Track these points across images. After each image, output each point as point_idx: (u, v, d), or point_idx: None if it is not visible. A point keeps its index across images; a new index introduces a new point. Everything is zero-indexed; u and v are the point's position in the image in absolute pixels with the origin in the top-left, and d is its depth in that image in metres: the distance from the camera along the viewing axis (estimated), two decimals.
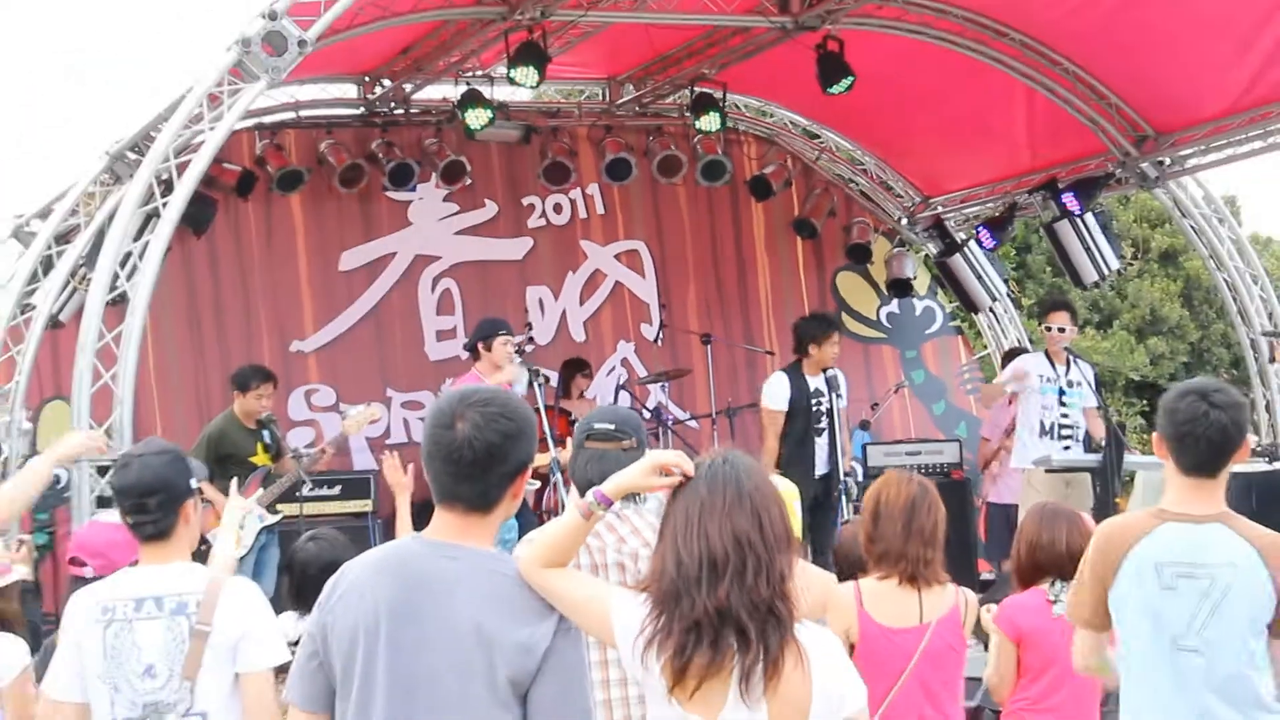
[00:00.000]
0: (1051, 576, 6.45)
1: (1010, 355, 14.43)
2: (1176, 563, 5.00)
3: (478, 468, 4.00)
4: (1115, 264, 15.36)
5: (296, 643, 4.39)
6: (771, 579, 3.89)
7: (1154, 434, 5.28)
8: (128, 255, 10.05)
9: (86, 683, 4.94)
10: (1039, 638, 6.40)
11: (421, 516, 6.00)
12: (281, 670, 5.44)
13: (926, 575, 5.94)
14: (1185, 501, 5.08)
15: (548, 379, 12.16)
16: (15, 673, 5.61)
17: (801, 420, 11.64)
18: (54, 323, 11.09)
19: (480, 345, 11.29)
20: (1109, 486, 11.13)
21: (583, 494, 5.24)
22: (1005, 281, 16.35)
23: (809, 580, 4.81)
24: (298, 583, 6.53)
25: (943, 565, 6.00)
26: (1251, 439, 13.50)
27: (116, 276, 10.03)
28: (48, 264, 11.05)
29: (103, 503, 9.91)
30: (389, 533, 11.30)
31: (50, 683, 5.09)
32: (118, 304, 10.12)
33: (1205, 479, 5.08)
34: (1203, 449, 5.05)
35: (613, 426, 5.38)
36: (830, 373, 11.77)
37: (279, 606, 9.73)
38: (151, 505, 5.05)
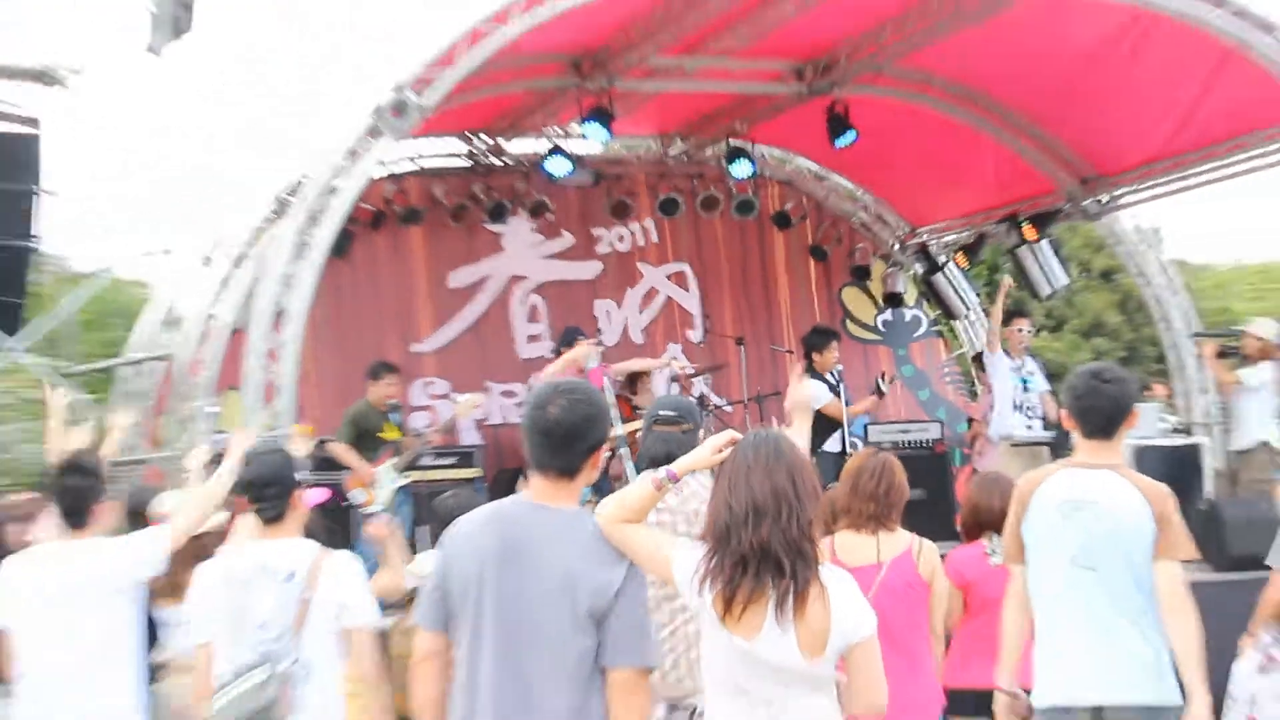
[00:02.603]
0: (989, 532, 6.47)
1: (977, 358, 14.42)
2: (1071, 499, 5.10)
3: (564, 442, 4.06)
4: (1065, 280, 15.31)
5: None
6: (801, 523, 3.96)
7: (1061, 411, 5.41)
8: (288, 276, 10.10)
9: (215, 632, 4.99)
10: (979, 583, 6.41)
11: (503, 482, 6.08)
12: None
13: (873, 525, 5.95)
14: (1086, 456, 5.19)
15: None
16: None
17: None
18: (233, 329, 11.17)
19: (564, 348, 11.38)
20: (1060, 456, 11.17)
21: (650, 466, 5.34)
22: (976, 295, 16.31)
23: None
24: (437, 528, 6.41)
25: (893, 517, 6.02)
26: (1173, 417, 13.41)
27: (279, 293, 10.09)
28: (226, 283, 11.14)
29: None
30: (492, 494, 11.39)
31: (191, 634, 5.17)
32: (280, 315, 10.15)
33: (1103, 440, 5.18)
34: (1097, 417, 5.16)
35: (675, 413, 5.50)
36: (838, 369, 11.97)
37: (413, 548, 9.79)
38: (269, 494, 5.11)
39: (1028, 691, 5.31)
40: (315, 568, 4.99)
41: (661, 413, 5.53)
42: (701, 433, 5.41)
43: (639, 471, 4.77)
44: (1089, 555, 5.03)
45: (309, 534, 5.30)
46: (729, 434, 4.21)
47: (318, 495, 6.01)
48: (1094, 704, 5.03)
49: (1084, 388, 5.20)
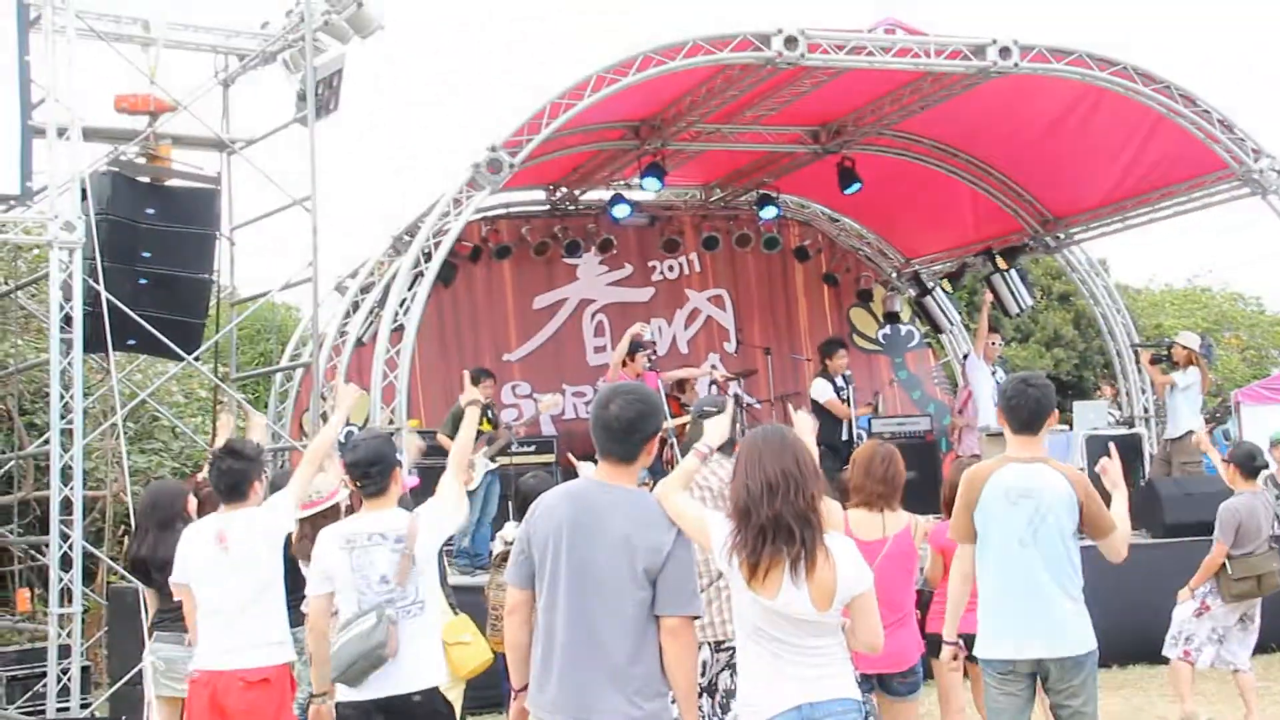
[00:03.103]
0: None
1: (966, 358, 14.33)
2: (1016, 488, 4.98)
3: (622, 433, 4.04)
4: (1029, 302, 15.26)
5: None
6: (806, 497, 3.92)
7: (996, 409, 5.32)
8: (404, 300, 10.16)
9: (335, 586, 4.88)
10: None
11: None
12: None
13: (881, 504, 5.86)
14: (1019, 451, 5.08)
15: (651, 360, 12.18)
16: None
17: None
18: (359, 343, 11.20)
19: (628, 357, 11.40)
20: None
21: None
22: (958, 313, 16.22)
23: (830, 506, 4.86)
24: (521, 503, 6.39)
25: (898, 500, 5.90)
26: (1118, 412, 13.25)
27: (397, 313, 10.15)
28: (355, 306, 11.19)
29: None
30: (565, 476, 11.38)
31: (308, 588, 5.02)
32: (397, 331, 10.20)
33: (1030, 436, 5.07)
34: (1024, 415, 5.05)
35: (715, 409, 5.36)
36: (847, 374, 11.96)
37: (502, 519, 9.77)
38: (374, 472, 4.93)
39: (965, 639, 5.30)
40: (412, 528, 4.87)
41: (705, 408, 5.52)
42: (737, 425, 5.36)
43: (684, 455, 4.75)
44: (1033, 535, 4.95)
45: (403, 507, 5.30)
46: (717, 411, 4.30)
47: (411, 481, 6.01)
48: (1036, 656, 4.96)
49: (1014, 391, 5.09)
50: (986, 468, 5.14)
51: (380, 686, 4.76)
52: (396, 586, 4.79)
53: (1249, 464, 7.81)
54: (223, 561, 5.40)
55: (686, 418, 12.05)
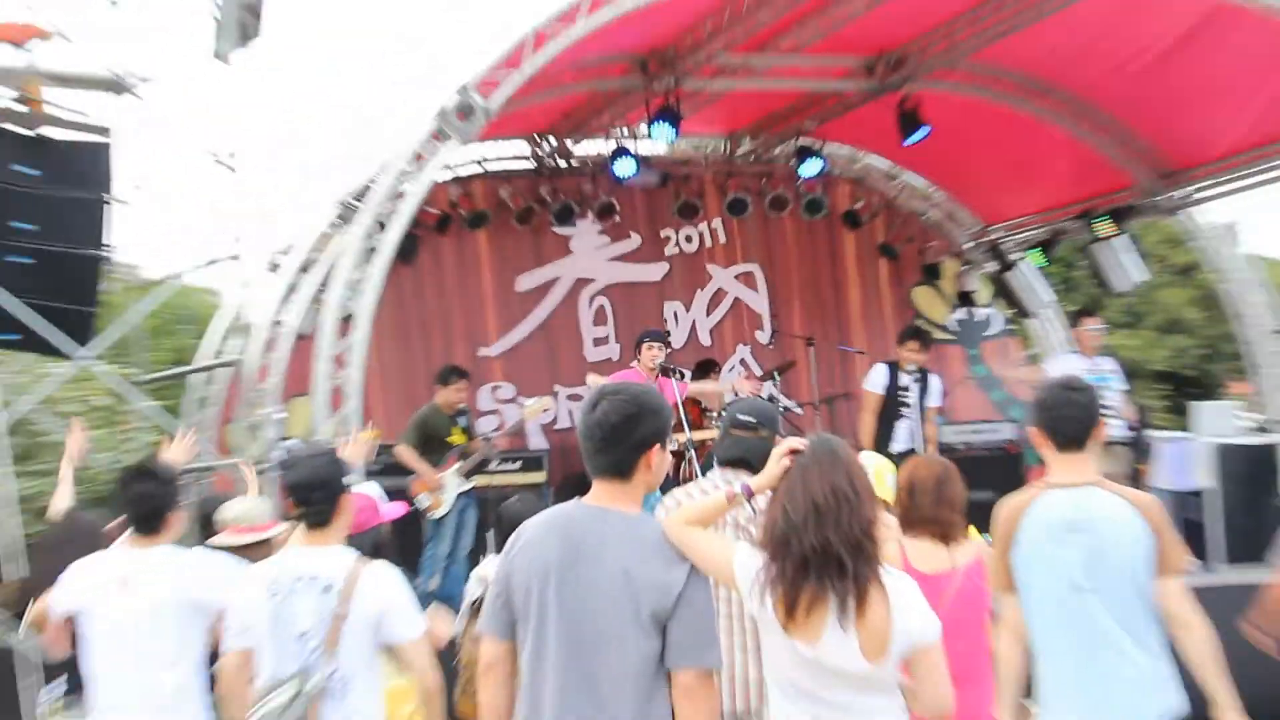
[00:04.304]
0: None
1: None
2: (1063, 520, 4.94)
3: (609, 441, 4.07)
4: (1141, 276, 15.20)
5: None
6: (860, 522, 3.98)
7: (1030, 430, 5.23)
8: (354, 281, 10.13)
9: (255, 642, 4.87)
10: None
11: (569, 487, 5.95)
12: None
13: (954, 535, 5.88)
14: (1063, 473, 5.04)
15: (684, 375, 12.18)
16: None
17: (888, 405, 11.74)
18: (299, 336, 11.18)
19: (635, 349, 11.43)
20: (1140, 457, 11.15)
21: (724, 467, 5.32)
22: (1051, 292, 16.18)
23: (891, 534, 4.86)
24: (503, 533, 6.42)
25: (962, 527, 5.91)
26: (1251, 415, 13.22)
27: (345, 299, 10.13)
28: (293, 289, 11.17)
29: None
30: (558, 499, 11.37)
31: (223, 642, 5.03)
32: (346, 320, 10.17)
33: (1076, 452, 5.05)
34: (1070, 426, 5.04)
35: (753, 420, 5.41)
36: (918, 371, 11.82)
37: (480, 553, 9.68)
38: (316, 499, 4.98)
39: None
40: (352, 580, 4.87)
41: (740, 417, 5.46)
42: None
43: (704, 474, 4.74)
44: (1091, 577, 4.87)
45: (378, 548, 5.24)
46: (789, 443, 4.23)
47: (396, 510, 6.00)
48: None
49: (1054, 399, 5.09)
50: (1022, 498, 5.09)
51: None
52: (320, 649, 4.78)
53: None
54: (125, 609, 5.36)
55: (713, 432, 12.11)
